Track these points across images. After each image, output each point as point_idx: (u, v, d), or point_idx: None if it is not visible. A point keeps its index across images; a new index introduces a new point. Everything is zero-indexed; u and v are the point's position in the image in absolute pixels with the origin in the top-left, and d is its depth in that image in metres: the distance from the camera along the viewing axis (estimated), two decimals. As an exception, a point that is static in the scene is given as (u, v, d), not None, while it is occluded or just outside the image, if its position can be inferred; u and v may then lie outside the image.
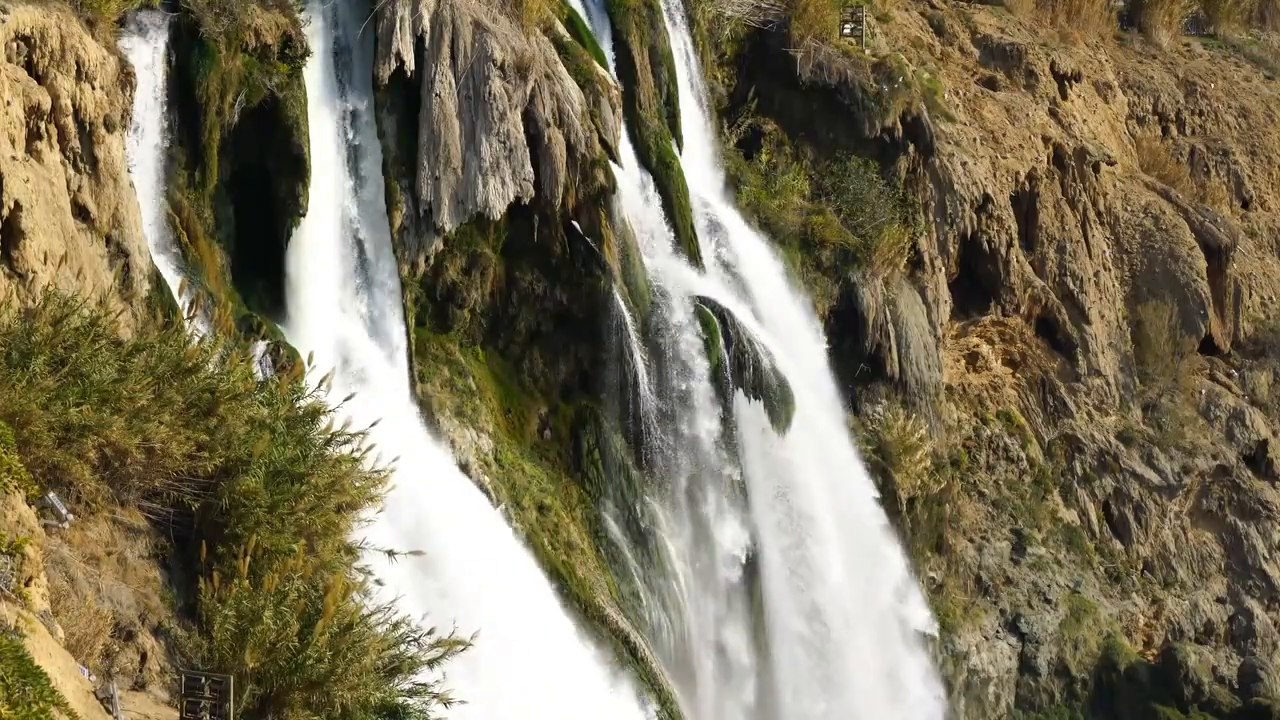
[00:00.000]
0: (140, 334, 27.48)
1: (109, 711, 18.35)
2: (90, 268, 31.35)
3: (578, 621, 40.42)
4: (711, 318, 44.51)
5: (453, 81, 40.66)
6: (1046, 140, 59.42)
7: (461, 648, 22.54)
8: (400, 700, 21.93)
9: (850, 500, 48.66)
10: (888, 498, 50.49)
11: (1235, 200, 68.35)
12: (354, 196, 40.02)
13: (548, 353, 43.52)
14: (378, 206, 40.15)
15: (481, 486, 40.76)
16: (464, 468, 40.69)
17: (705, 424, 44.19)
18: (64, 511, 20.92)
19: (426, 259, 40.80)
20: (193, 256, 36.49)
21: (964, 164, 55.56)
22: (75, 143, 32.12)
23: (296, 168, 38.02)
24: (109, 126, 32.78)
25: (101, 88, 32.53)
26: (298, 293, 38.59)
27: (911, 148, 53.49)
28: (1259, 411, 62.33)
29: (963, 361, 57.13)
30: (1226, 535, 60.51)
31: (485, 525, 39.49)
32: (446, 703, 22.44)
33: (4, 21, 30.28)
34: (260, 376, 28.11)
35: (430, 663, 22.35)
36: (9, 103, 29.91)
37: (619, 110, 44.26)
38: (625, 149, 45.05)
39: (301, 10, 39.02)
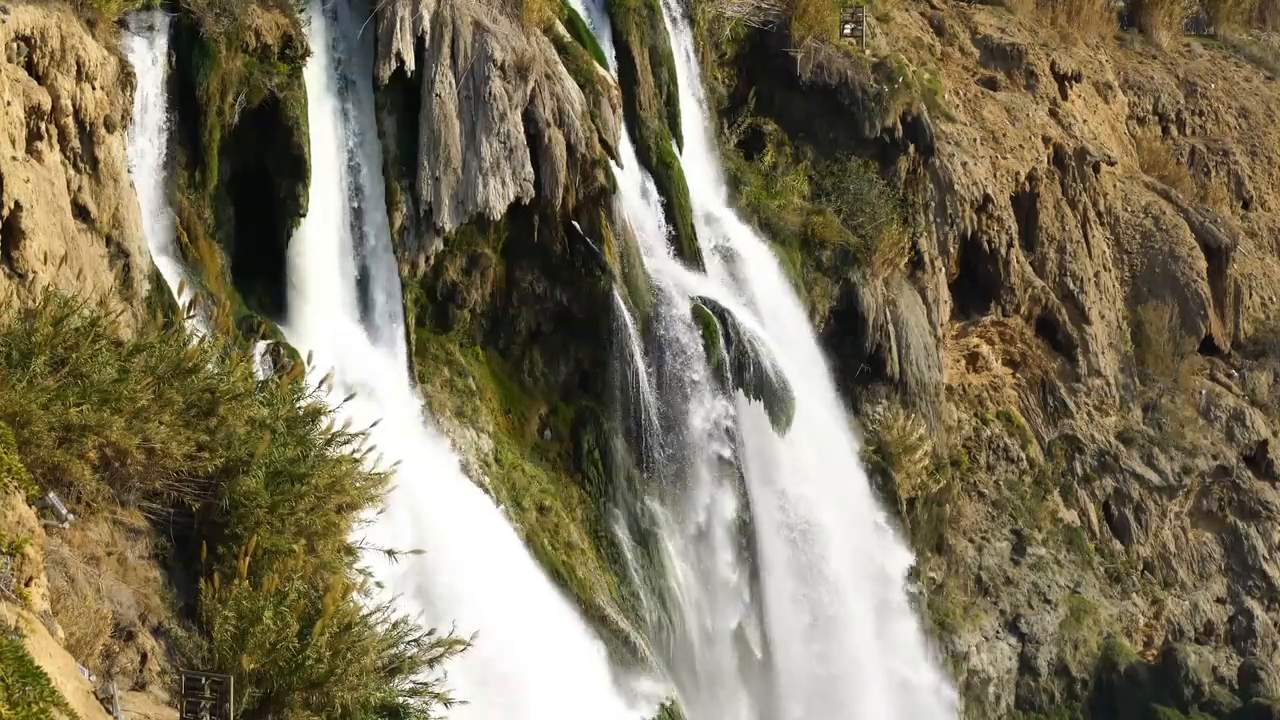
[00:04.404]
0: (140, 334, 27.50)
1: (109, 712, 18.36)
2: (90, 268, 31.36)
3: (579, 621, 40.45)
4: (711, 318, 44.51)
5: (453, 81, 40.67)
6: (1046, 140, 59.43)
7: (461, 648, 22.55)
8: (400, 700, 21.95)
9: (850, 500, 48.67)
10: (888, 498, 50.53)
11: (1235, 200, 68.34)
12: (354, 197, 40.03)
13: (548, 353, 43.53)
14: (378, 206, 40.17)
15: (482, 487, 40.77)
16: (464, 468, 40.70)
17: (705, 424, 44.18)
18: (64, 511, 20.93)
19: (426, 259, 40.81)
20: (193, 256, 36.50)
21: (964, 164, 55.58)
22: (75, 143, 32.14)
23: (296, 168, 38.02)
24: (109, 127, 32.79)
25: (102, 88, 32.54)
26: (298, 293, 38.60)
27: (911, 148, 53.50)
28: (1259, 412, 62.34)
29: (963, 361, 57.15)
30: (1226, 535, 60.51)
31: (485, 525, 39.49)
32: (446, 703, 22.46)
33: (4, 21, 30.28)
34: (260, 377, 28.11)
35: (430, 662, 22.37)
36: (9, 103, 29.92)
37: (619, 110, 44.27)
38: (625, 149, 45.06)
39: (301, 10, 39.02)
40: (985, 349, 57.68)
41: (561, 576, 40.89)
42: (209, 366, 23.77)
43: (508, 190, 40.92)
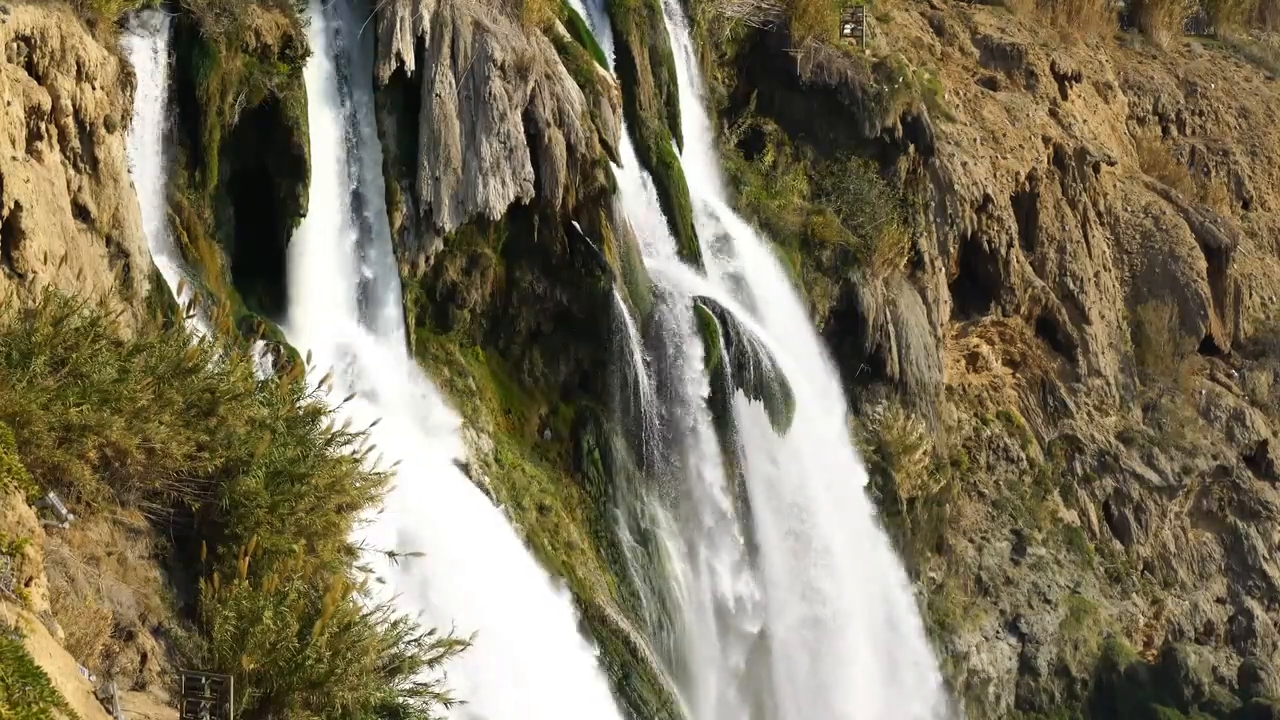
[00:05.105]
0: (140, 334, 27.50)
1: (109, 712, 18.36)
2: (90, 268, 31.36)
3: (578, 621, 40.44)
4: (711, 318, 44.51)
5: (453, 81, 40.67)
6: (1046, 140, 59.43)
7: (461, 648, 22.54)
8: (400, 700, 21.94)
9: (850, 500, 48.68)
10: (888, 498, 50.53)
11: (1235, 200, 68.35)
12: (354, 197, 40.02)
13: (548, 353, 43.52)
14: (378, 206, 40.17)
15: (481, 487, 40.75)
16: (464, 468, 40.69)
17: (705, 424, 44.18)
18: (64, 511, 20.92)
19: (426, 259, 40.80)
20: (193, 256, 36.50)
21: (964, 164, 55.57)
22: (75, 143, 32.13)
23: (296, 168, 38.02)
24: (109, 127, 32.78)
25: (102, 88, 32.54)
26: (298, 293, 38.60)
27: (911, 148, 53.50)
28: (1259, 412, 62.34)
29: (963, 361, 57.15)
30: (1226, 535, 60.51)
31: (485, 525, 39.48)
32: (447, 703, 22.45)
33: (4, 21, 30.28)
34: (260, 376, 28.11)
35: (430, 662, 22.36)
36: (9, 103, 29.91)
37: (619, 110, 44.26)
38: (625, 149, 45.05)
39: (301, 10, 39.02)
40: (985, 349, 57.68)
41: (561, 576, 40.88)
42: (209, 366, 23.77)
43: (508, 190, 40.91)
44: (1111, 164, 62.85)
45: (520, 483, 41.85)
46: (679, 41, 49.70)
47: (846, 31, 55.25)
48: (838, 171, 52.61)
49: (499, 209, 40.91)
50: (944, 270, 54.87)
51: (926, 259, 53.60)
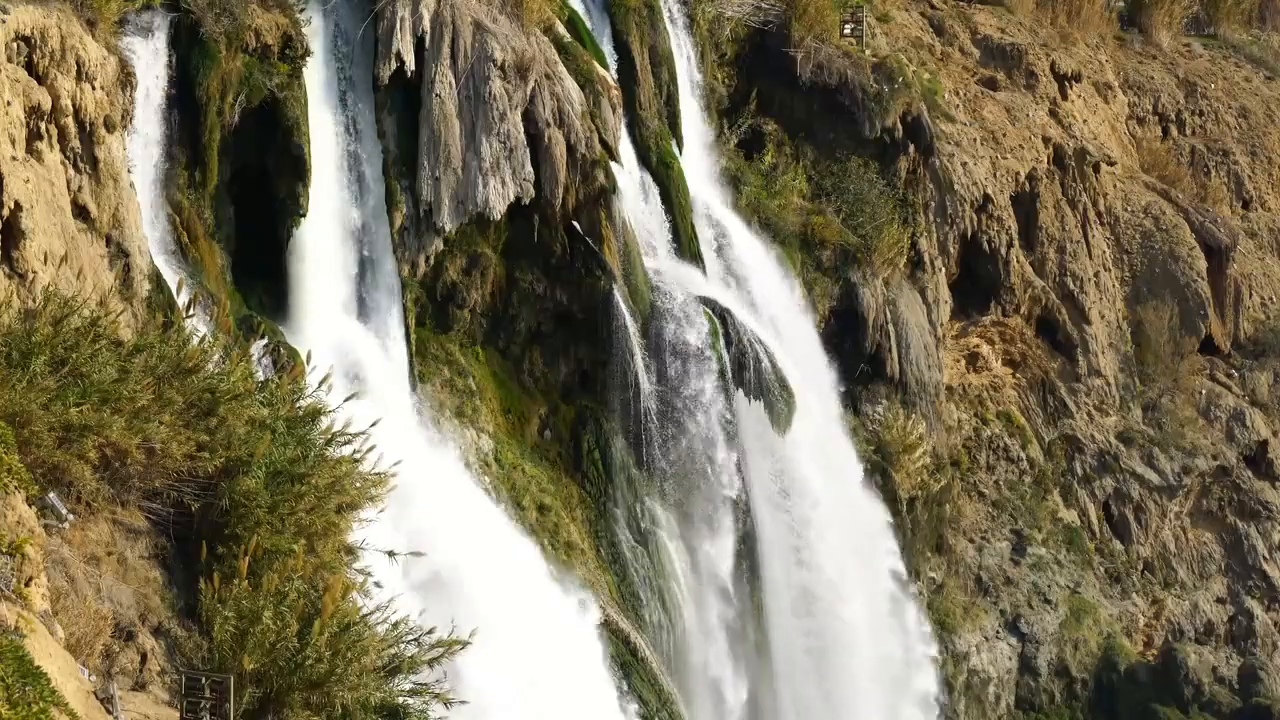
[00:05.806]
0: (140, 334, 27.50)
1: (109, 712, 18.37)
2: (90, 268, 31.35)
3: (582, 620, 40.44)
4: (712, 318, 44.51)
5: (453, 82, 40.67)
6: (1046, 140, 59.44)
7: (461, 647, 22.55)
8: (400, 700, 21.95)
9: (850, 500, 48.68)
10: (888, 498, 50.53)
11: (1235, 200, 68.36)
12: (354, 197, 40.01)
13: (548, 353, 43.53)
14: (378, 207, 40.17)
15: (481, 487, 40.74)
16: (464, 468, 40.68)
17: (705, 424, 44.16)
18: (64, 511, 20.93)
19: (426, 259, 40.81)
20: (193, 256, 36.48)
21: (964, 164, 55.57)
22: (75, 143, 32.11)
23: (296, 168, 38.00)
24: (109, 127, 32.77)
25: (102, 88, 32.53)
26: (298, 293, 38.59)
27: (911, 148, 53.50)
28: (1259, 412, 62.34)
29: (963, 361, 57.15)
30: (1226, 535, 60.51)
31: (485, 525, 39.46)
32: (447, 703, 22.46)
33: (4, 22, 30.28)
34: (260, 377, 28.09)
35: (430, 662, 22.37)
36: (9, 103, 29.90)
37: (619, 110, 44.27)
38: (625, 149, 45.06)
39: (301, 10, 39.02)
40: (985, 349, 57.69)
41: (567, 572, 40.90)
42: (209, 366, 23.77)
43: (508, 190, 40.92)
44: (1111, 164, 62.86)
45: (520, 483, 41.85)
46: (679, 41, 49.70)
47: (846, 31, 55.26)
48: (838, 171, 52.61)
49: (499, 209, 40.92)
50: (944, 270, 54.88)
51: (926, 259, 53.61)
